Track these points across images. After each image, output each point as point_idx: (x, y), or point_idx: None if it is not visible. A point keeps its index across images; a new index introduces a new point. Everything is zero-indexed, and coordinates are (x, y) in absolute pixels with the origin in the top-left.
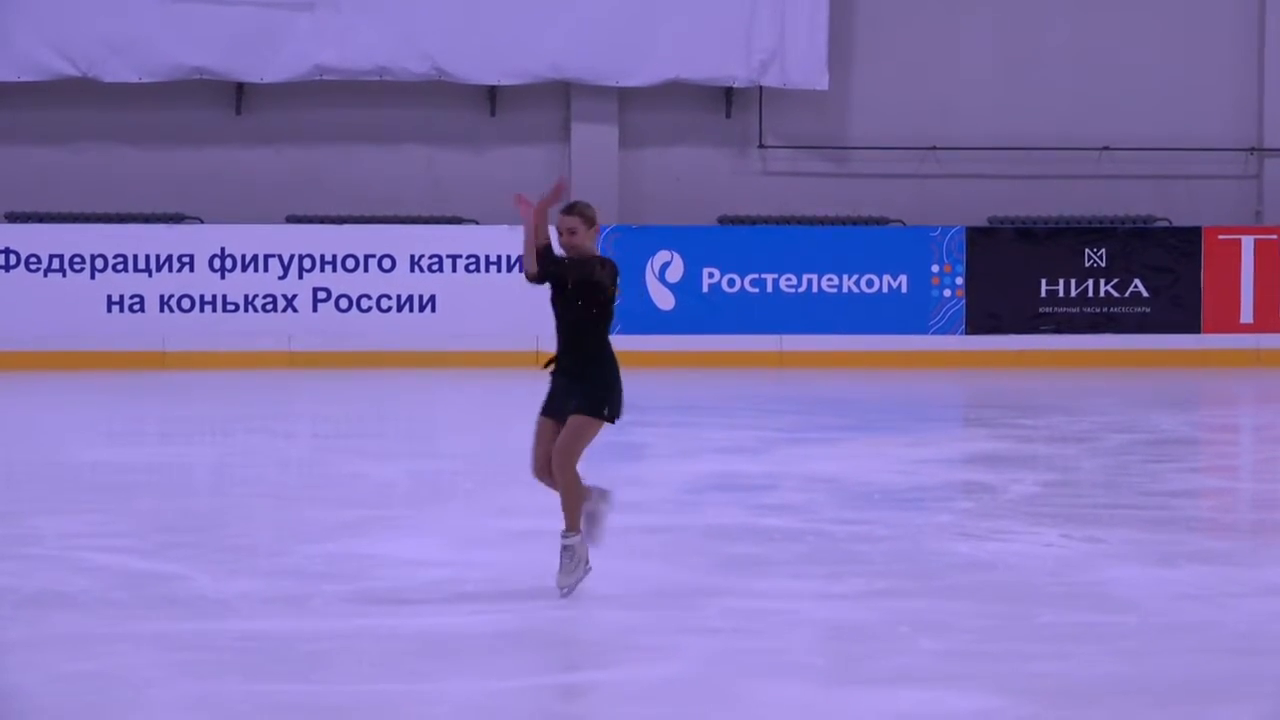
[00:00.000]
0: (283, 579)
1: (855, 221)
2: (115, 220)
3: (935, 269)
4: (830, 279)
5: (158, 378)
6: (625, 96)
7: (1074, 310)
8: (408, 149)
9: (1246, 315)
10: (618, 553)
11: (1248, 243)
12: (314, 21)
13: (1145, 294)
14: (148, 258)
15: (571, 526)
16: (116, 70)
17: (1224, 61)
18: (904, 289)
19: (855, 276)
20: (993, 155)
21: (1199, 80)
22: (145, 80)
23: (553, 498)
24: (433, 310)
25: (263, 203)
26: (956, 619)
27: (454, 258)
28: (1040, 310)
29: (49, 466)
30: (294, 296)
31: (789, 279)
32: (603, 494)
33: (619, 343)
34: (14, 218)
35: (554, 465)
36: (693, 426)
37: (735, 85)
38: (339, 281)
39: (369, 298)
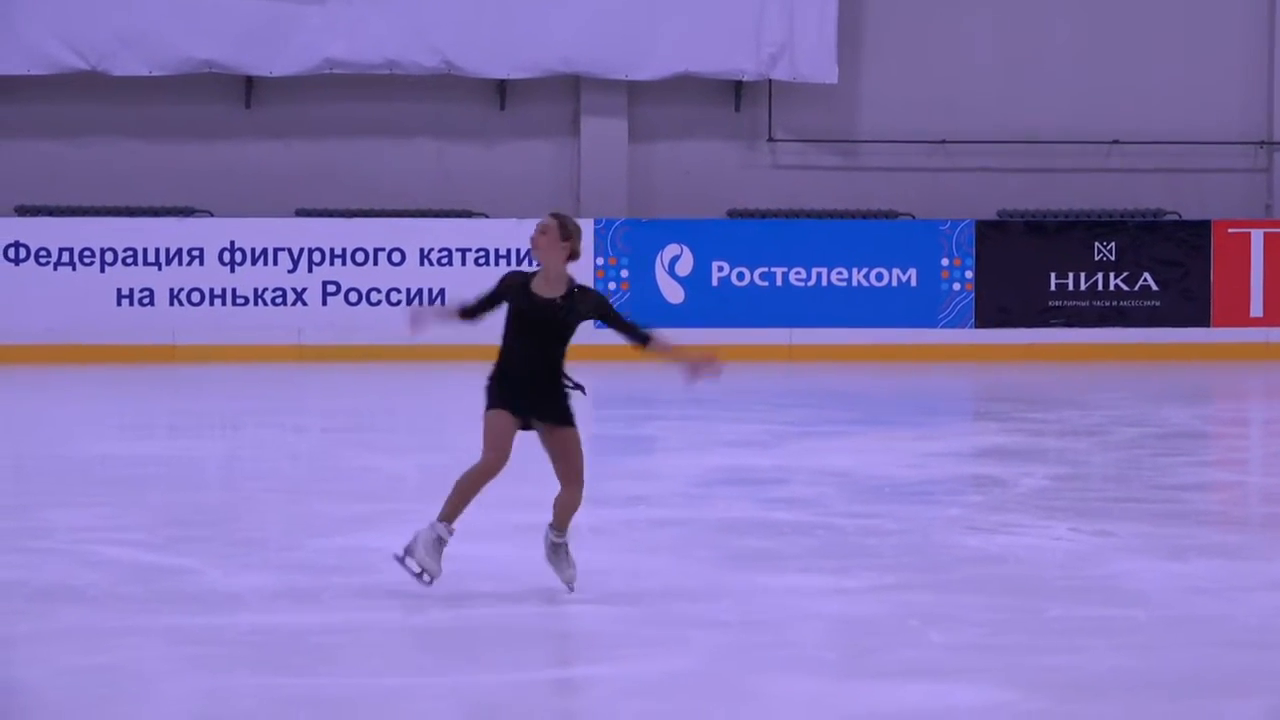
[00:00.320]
0: (292, 573)
1: (865, 215)
2: (125, 214)
3: (945, 263)
4: (840, 272)
5: (167, 371)
6: (635, 90)
7: (1084, 304)
8: (417, 143)
9: (1256, 309)
10: (627, 546)
11: (1257, 236)
12: (324, 15)
13: (1155, 288)
14: (157, 251)
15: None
16: (126, 64)
17: (1234, 54)
18: (913, 283)
19: (865, 270)
20: (1002, 149)
21: (1209, 73)
22: (155, 74)
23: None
24: (442, 304)
25: (272, 196)
26: (966, 612)
27: (463, 251)
28: (1050, 304)
29: (58, 460)
30: (304, 290)
31: (798, 273)
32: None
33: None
34: (24, 211)
35: (574, 482)
36: (702, 420)
37: (744, 79)
38: (349, 275)
39: (379, 291)
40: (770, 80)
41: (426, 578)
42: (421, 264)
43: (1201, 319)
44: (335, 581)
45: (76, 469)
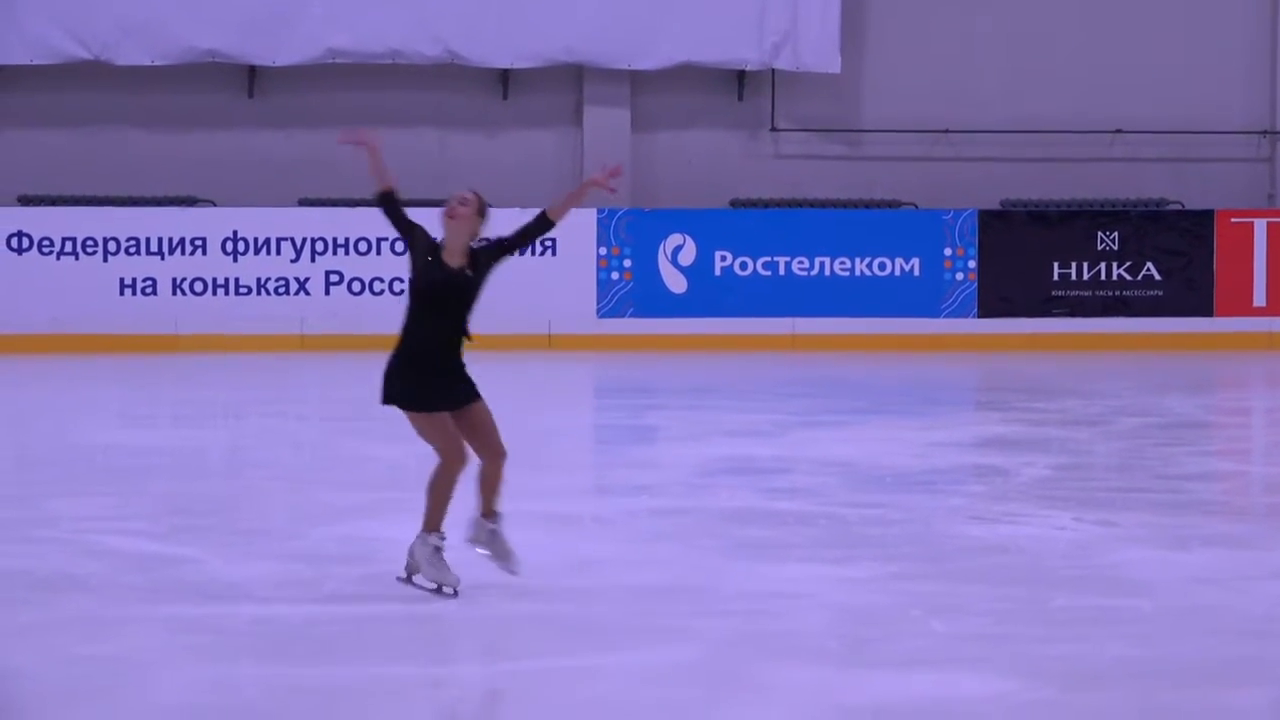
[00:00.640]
0: (295, 562)
1: (867, 205)
2: (128, 203)
3: (948, 252)
4: (843, 262)
5: (170, 361)
6: (637, 80)
7: (1086, 293)
8: (420, 132)
9: (1259, 298)
10: (631, 536)
11: (1260, 226)
12: (326, 4)
13: (1158, 277)
14: (160, 241)
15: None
16: (129, 53)
17: (1237, 44)
18: (916, 272)
19: (867, 260)
20: (1005, 138)
21: (1212, 63)
22: (158, 63)
23: (567, 479)
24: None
25: (275, 186)
26: (969, 602)
27: None
28: (1053, 293)
29: (62, 450)
30: (306, 280)
31: (801, 262)
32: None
33: (632, 325)
34: (27, 201)
35: (498, 453)
36: (705, 410)
37: (747, 68)
38: (351, 265)
39: (381, 281)
40: (773, 70)
41: (449, 589)
42: None
43: (1204, 309)
44: (338, 570)
45: (79, 458)
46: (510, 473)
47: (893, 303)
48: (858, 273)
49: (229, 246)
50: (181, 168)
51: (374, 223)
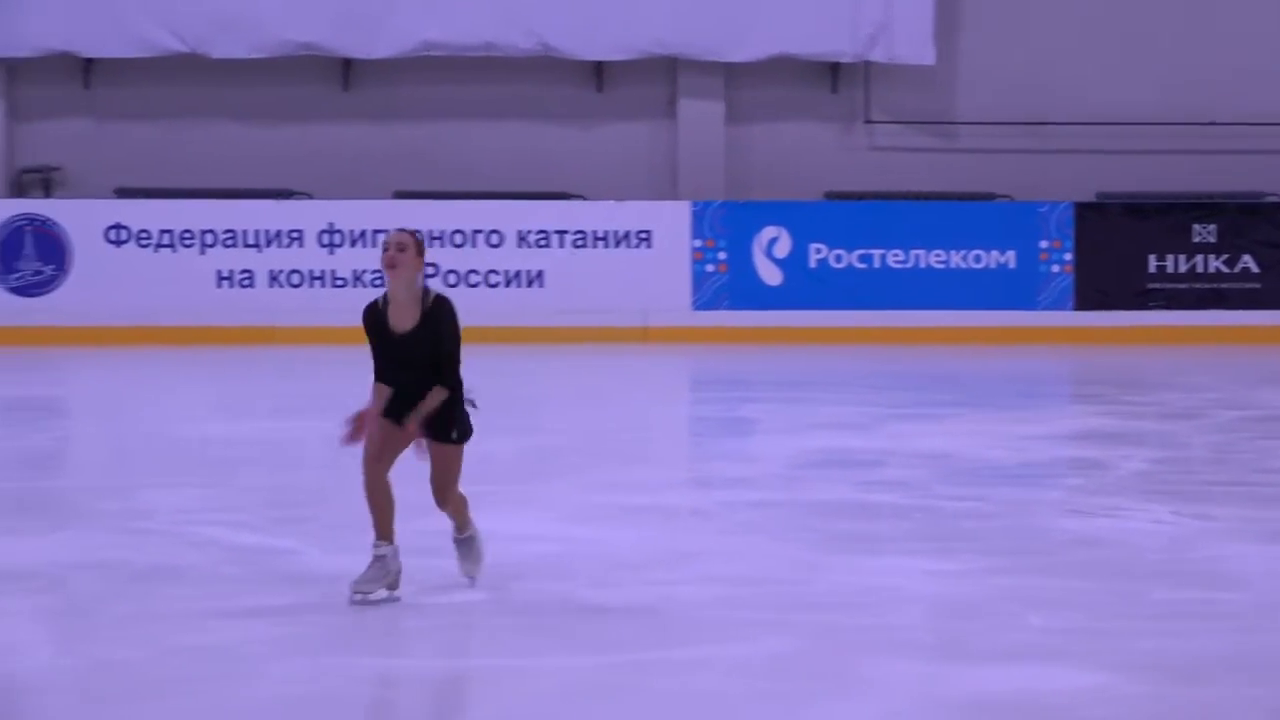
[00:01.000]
0: None
1: (963, 197)
2: (224, 196)
3: (1043, 244)
4: (938, 254)
5: (266, 353)
6: (731, 72)
7: (1182, 286)
8: (515, 125)
9: None
10: (724, 528)
11: None
12: None
13: (1255, 270)
14: (256, 233)
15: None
16: (225, 46)
17: None
18: (1012, 264)
19: (963, 252)
20: (1101, 130)
21: None
22: (253, 56)
23: (663, 472)
24: (540, 286)
25: (370, 178)
26: (1066, 596)
27: (561, 233)
28: (1149, 286)
29: (160, 441)
30: None
31: (896, 254)
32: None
33: (727, 318)
34: (124, 193)
35: (438, 500)
36: (800, 402)
37: (841, 60)
38: (447, 257)
39: (477, 273)
40: (867, 62)
41: (357, 596)
42: (519, 246)
43: None
44: (434, 563)
45: (177, 450)
46: (605, 466)
47: (988, 295)
48: (953, 265)
49: (325, 239)
50: (277, 160)
51: (468, 215)
